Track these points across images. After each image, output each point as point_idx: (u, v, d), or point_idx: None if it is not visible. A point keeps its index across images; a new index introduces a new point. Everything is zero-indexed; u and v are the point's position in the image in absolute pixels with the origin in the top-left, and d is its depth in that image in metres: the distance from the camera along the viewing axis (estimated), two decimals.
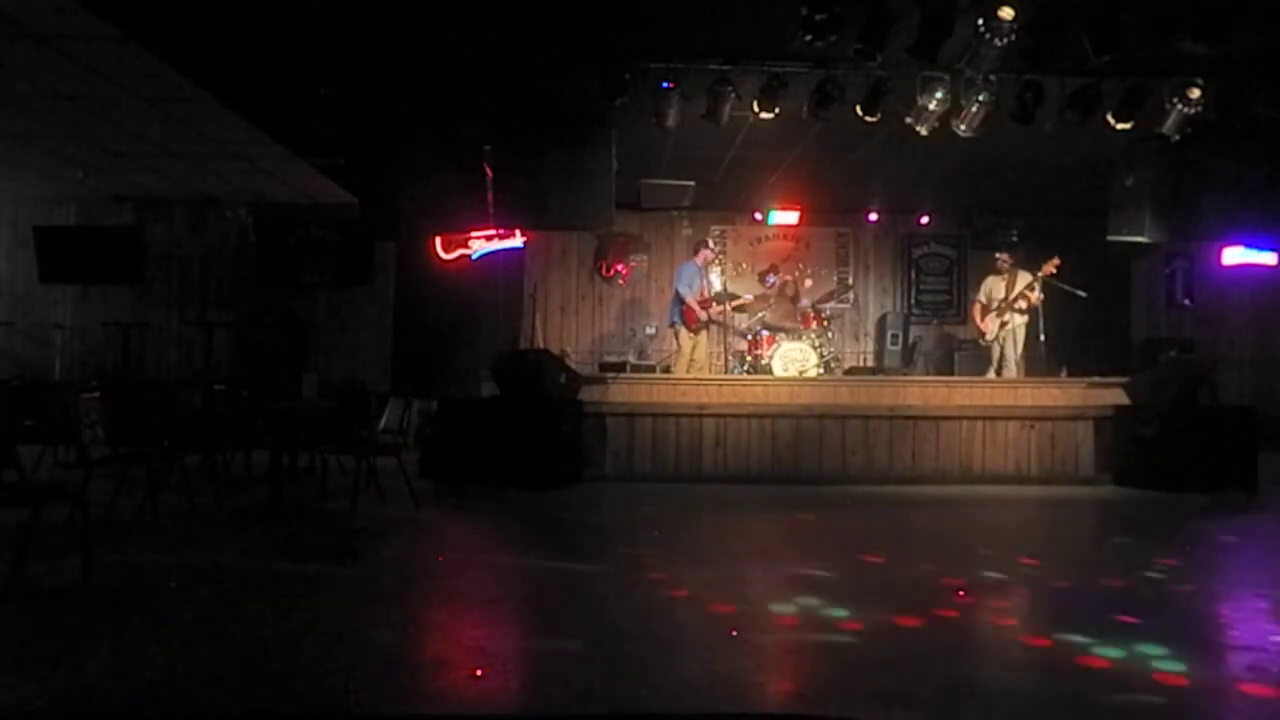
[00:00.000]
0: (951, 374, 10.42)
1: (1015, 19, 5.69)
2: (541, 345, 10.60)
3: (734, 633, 3.45)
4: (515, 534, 5.67)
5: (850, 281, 11.91)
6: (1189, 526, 6.07)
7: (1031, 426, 8.00)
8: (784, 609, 3.79)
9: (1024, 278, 9.43)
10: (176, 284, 11.34)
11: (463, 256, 10.69)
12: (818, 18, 5.59)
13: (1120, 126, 7.02)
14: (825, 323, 9.99)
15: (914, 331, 11.67)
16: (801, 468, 7.86)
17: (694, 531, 5.69)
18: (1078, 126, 6.99)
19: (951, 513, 6.61)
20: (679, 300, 9.52)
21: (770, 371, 9.22)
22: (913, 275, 12.22)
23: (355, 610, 3.70)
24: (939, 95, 6.75)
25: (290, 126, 8.09)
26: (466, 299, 10.77)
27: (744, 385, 8.27)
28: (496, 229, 9.53)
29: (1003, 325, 9.52)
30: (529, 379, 7.49)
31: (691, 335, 9.53)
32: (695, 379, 8.50)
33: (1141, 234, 8.01)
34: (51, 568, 4.23)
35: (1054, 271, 9.08)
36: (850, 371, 10.16)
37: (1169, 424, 7.53)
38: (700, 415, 7.89)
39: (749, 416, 7.91)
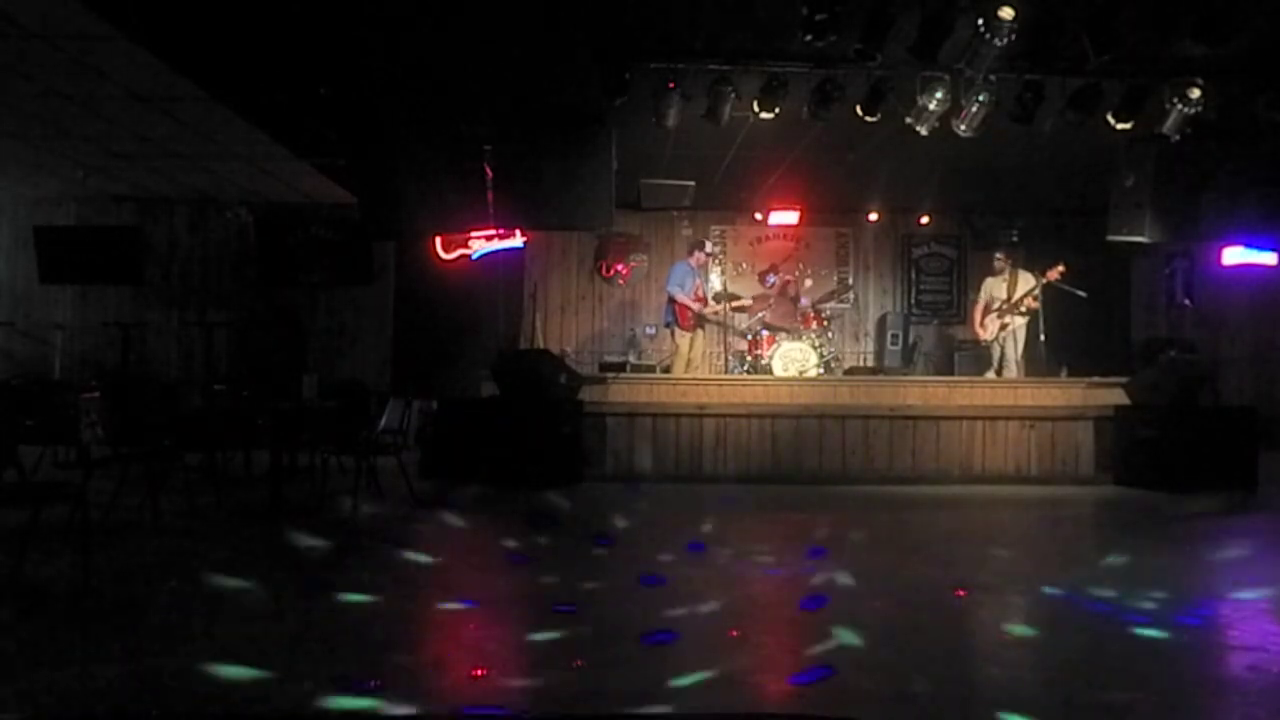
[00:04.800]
0: (951, 374, 10.43)
1: (1015, 19, 5.68)
2: (541, 345, 10.59)
3: (734, 633, 3.45)
4: (515, 534, 5.66)
5: (850, 281, 11.91)
6: (1189, 526, 6.07)
7: (1031, 426, 8.00)
8: (784, 609, 3.79)
9: (1024, 278, 9.43)
10: (176, 284, 11.34)
11: (463, 256, 10.68)
12: (818, 18, 5.58)
13: (1120, 126, 7.02)
14: (825, 323, 9.99)
15: (914, 331, 11.67)
16: (801, 468, 7.86)
17: (694, 531, 5.69)
18: (1078, 126, 6.99)
19: (952, 513, 6.60)
20: (671, 300, 9.52)
21: (770, 371, 9.21)
22: (913, 275, 12.22)
23: (355, 610, 3.70)
24: (939, 95, 6.75)
25: (290, 126, 8.09)
26: (466, 299, 10.76)
27: (744, 385, 8.27)
28: (496, 229, 9.52)
29: (1003, 326, 9.52)
30: (529, 379, 7.49)
31: (686, 334, 9.53)
32: (695, 379, 8.51)
33: (1141, 234, 8.00)
34: (51, 568, 4.23)
35: (1058, 277, 9.09)
36: (850, 371, 10.17)
37: (1169, 424, 7.53)
38: (700, 415, 7.88)
39: (749, 416, 7.91)
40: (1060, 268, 9.10)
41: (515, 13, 6.03)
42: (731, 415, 7.90)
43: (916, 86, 6.80)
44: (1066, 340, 10.00)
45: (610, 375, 8.35)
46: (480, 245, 10.61)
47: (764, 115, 7.05)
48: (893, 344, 11.20)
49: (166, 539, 5.04)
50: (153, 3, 5.77)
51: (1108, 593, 4.10)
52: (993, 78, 6.60)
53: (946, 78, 6.67)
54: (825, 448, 7.91)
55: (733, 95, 6.87)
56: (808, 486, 7.57)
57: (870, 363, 11.45)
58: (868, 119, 7.01)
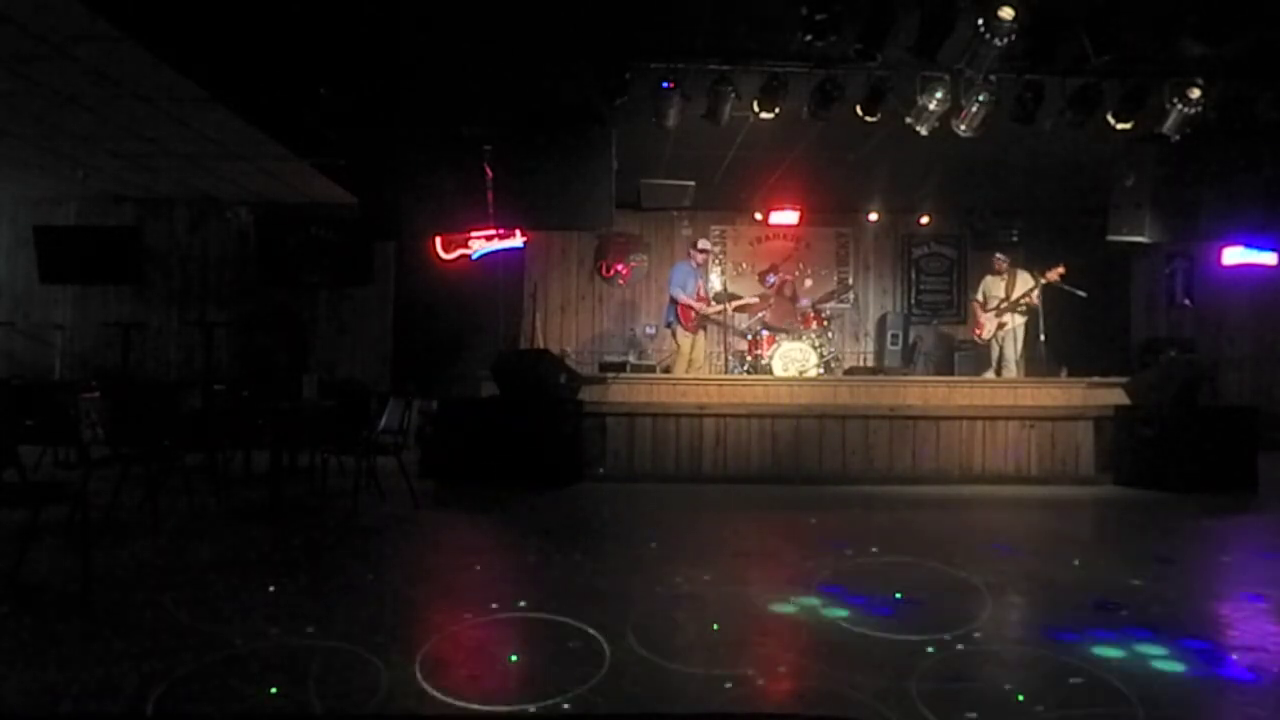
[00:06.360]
0: (951, 374, 10.43)
1: (1015, 19, 5.69)
2: (541, 345, 10.60)
3: (734, 632, 3.45)
4: (515, 534, 5.67)
5: (850, 281, 11.92)
6: (1189, 526, 6.07)
7: (1031, 426, 7.99)
8: (784, 609, 3.79)
9: (1023, 278, 9.44)
10: (176, 284, 11.34)
11: (463, 256, 10.69)
12: (818, 18, 5.59)
13: (1120, 126, 7.02)
14: (825, 323, 9.99)
15: (914, 331, 11.68)
16: (801, 468, 7.85)
17: (694, 531, 5.69)
18: (1078, 126, 6.99)
19: (951, 512, 6.60)
20: (673, 301, 9.52)
21: (770, 371, 9.22)
22: (913, 275, 12.23)
23: (355, 610, 3.70)
24: (939, 95, 6.75)
25: (290, 126, 8.09)
26: (466, 299, 10.76)
27: (744, 385, 8.27)
28: (496, 229, 9.53)
29: (1000, 326, 9.53)
30: (529, 379, 7.49)
31: (688, 334, 9.53)
32: (695, 379, 8.50)
33: (1141, 234, 8.01)
34: (51, 568, 4.23)
35: (1057, 279, 9.09)
36: (850, 371, 10.17)
37: (1169, 424, 7.53)
38: (700, 415, 7.88)
39: (749, 416, 7.91)
40: (1060, 269, 9.10)
41: (515, 13, 6.03)
42: (731, 415, 7.90)
43: (916, 86, 6.80)
44: (1066, 340, 10.01)
45: (610, 375, 8.35)
46: (480, 245, 10.61)
47: (764, 115, 7.05)
48: (893, 344, 11.21)
49: (166, 539, 5.04)
50: (153, 3, 5.77)
51: (1107, 593, 4.10)
52: (993, 78, 6.61)
53: (946, 78, 6.67)
54: (825, 448, 7.91)
55: (733, 95, 6.87)
56: (807, 487, 7.56)
57: (870, 363, 11.45)
58: (868, 119, 7.01)
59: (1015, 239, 11.17)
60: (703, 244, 9.91)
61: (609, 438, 7.84)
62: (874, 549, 5.07)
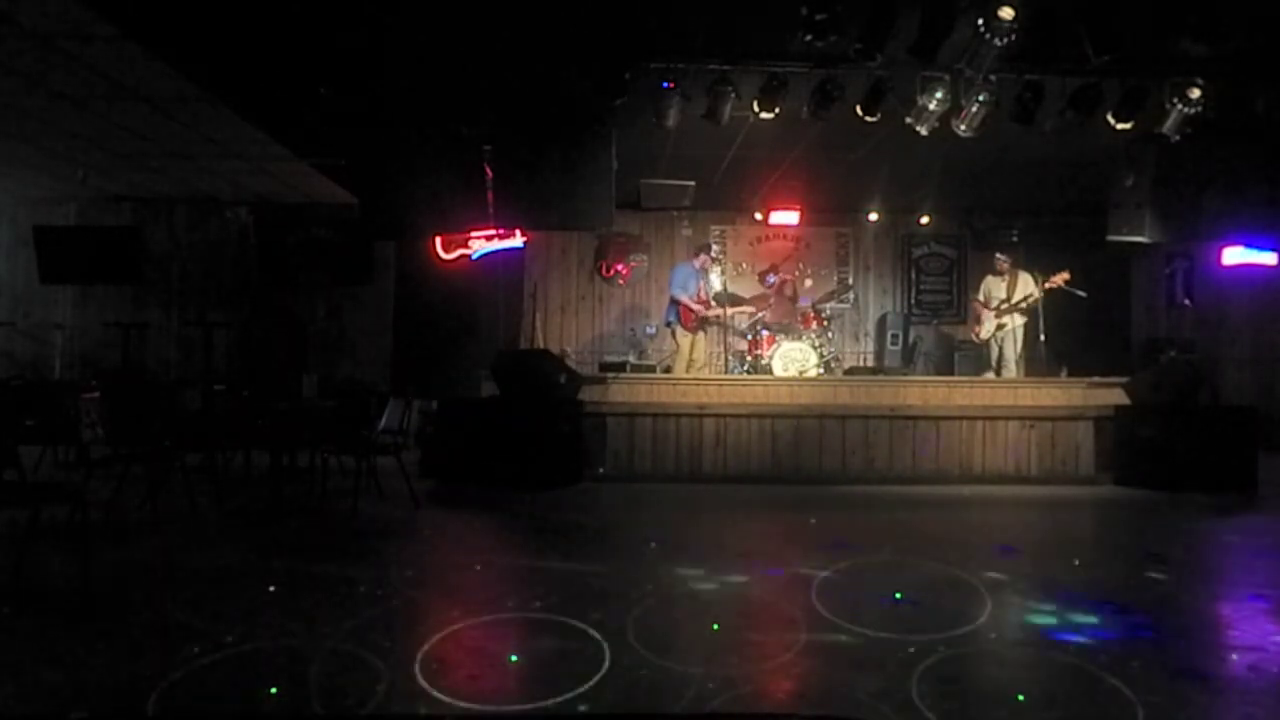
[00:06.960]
0: (951, 374, 10.43)
1: (1015, 19, 5.69)
2: (541, 345, 10.60)
3: (734, 632, 3.45)
4: (515, 534, 5.67)
5: (850, 281, 11.92)
6: (1189, 526, 6.07)
7: (1031, 426, 7.99)
8: (784, 608, 3.79)
9: (1024, 278, 9.44)
10: (176, 284, 11.34)
11: (463, 256, 10.69)
12: (818, 18, 5.59)
13: (1120, 126, 7.02)
14: (825, 323, 9.99)
15: (914, 331, 11.68)
16: (801, 468, 7.85)
17: (694, 531, 5.69)
18: (1078, 126, 6.99)
19: (951, 513, 6.60)
20: (673, 301, 9.53)
21: (770, 371, 9.22)
22: (913, 275, 12.23)
23: (356, 610, 3.70)
24: (939, 95, 6.75)
25: (290, 126, 8.09)
26: (466, 299, 10.77)
27: (744, 385, 8.27)
28: (496, 229, 9.52)
29: (1000, 326, 9.53)
30: (529, 379, 7.49)
31: (688, 334, 9.53)
32: (695, 379, 8.50)
33: (1141, 234, 8.00)
34: (51, 568, 4.23)
35: (1063, 284, 9.09)
36: (850, 371, 10.17)
37: (1169, 424, 7.53)
38: (700, 415, 7.88)
39: (749, 416, 7.91)
40: (1065, 274, 9.09)
41: (515, 12, 6.03)
42: (731, 415, 7.90)
43: (916, 86, 6.80)
44: (1066, 340, 10.01)
45: (610, 375, 8.34)
46: (480, 245, 10.62)
47: (764, 115, 7.05)
48: (893, 344, 11.21)
49: (166, 539, 5.04)
50: (153, 3, 5.77)
51: (1108, 593, 4.10)
52: (993, 78, 6.61)
53: (946, 78, 6.67)
54: (825, 448, 7.91)
55: (733, 95, 6.87)
56: (807, 486, 7.56)
57: (870, 363, 11.46)
58: (868, 119, 7.01)
59: (1015, 239, 11.18)
60: (713, 250, 9.93)
61: (609, 438, 7.83)
62: (874, 549, 5.07)
